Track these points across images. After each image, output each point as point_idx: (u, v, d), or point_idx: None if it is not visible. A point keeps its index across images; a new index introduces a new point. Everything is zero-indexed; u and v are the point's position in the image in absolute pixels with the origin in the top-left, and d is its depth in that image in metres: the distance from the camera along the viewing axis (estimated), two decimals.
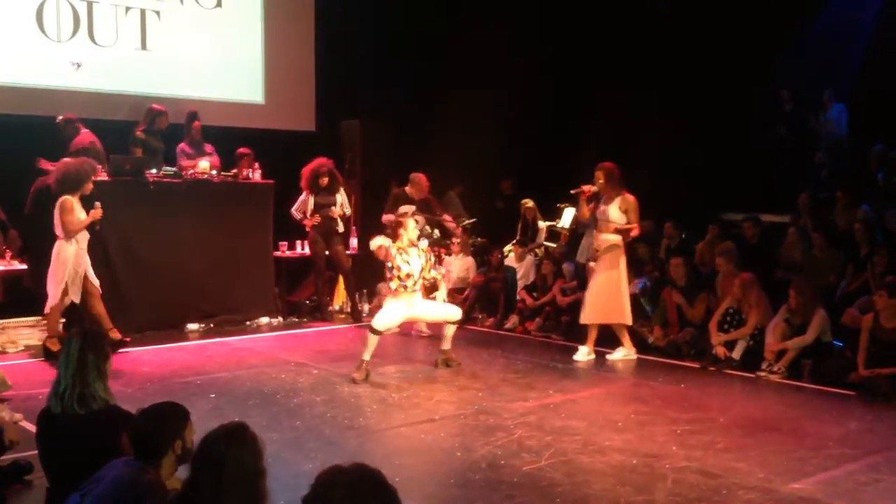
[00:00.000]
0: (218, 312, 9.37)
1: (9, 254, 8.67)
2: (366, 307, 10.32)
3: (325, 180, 9.69)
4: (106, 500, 2.96)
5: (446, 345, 7.51)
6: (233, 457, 2.70)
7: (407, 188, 9.55)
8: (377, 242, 7.25)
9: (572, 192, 8.10)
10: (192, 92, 10.85)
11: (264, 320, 9.59)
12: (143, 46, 10.73)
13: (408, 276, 7.16)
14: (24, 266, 8.65)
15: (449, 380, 7.10)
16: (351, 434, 5.59)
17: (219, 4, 11.36)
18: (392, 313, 7.16)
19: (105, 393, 3.71)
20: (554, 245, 11.31)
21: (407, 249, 7.21)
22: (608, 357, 7.98)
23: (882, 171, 9.64)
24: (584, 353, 7.96)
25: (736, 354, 7.60)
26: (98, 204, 7.62)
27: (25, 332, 8.61)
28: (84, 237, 7.62)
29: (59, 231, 7.49)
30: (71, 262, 7.50)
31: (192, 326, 9.06)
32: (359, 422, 5.86)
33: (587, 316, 7.96)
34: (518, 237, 10.74)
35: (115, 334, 7.70)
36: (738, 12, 10.94)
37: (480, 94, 11.56)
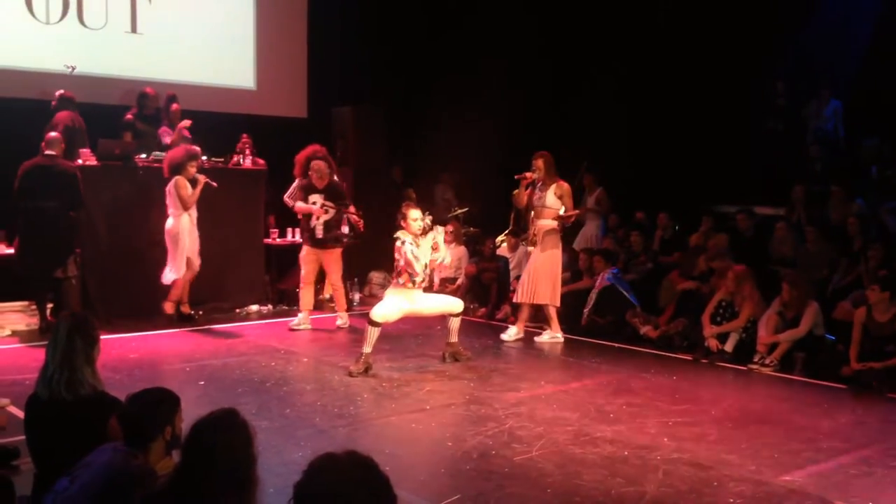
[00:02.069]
0: (208, 299, 9.31)
1: None
2: (356, 295, 10.27)
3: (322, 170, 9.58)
4: (95, 486, 2.92)
5: (453, 337, 7.33)
6: (223, 443, 2.66)
7: (311, 174, 8.65)
8: (400, 237, 6.93)
9: (516, 176, 8.30)
10: (182, 76, 10.77)
11: (254, 308, 9.54)
12: (133, 30, 10.64)
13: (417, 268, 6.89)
14: (11, 251, 8.53)
15: (440, 370, 7.07)
16: (341, 423, 5.55)
17: None
18: (391, 306, 6.96)
19: (93, 378, 3.66)
20: None
21: (418, 241, 6.93)
22: (536, 339, 8.23)
23: (876, 165, 9.64)
24: (512, 333, 8.31)
25: (728, 347, 7.59)
26: (201, 176, 8.59)
27: (13, 317, 8.55)
28: (194, 213, 8.63)
29: (174, 207, 8.49)
30: (186, 233, 8.54)
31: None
32: (349, 410, 5.82)
33: (520, 295, 8.35)
34: (511, 227, 10.70)
35: (186, 308, 8.82)
36: (736, 4, 10.91)
37: (473, 80, 11.52)
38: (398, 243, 6.90)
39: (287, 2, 12.00)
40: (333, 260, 8.76)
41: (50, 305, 8.23)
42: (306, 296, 8.77)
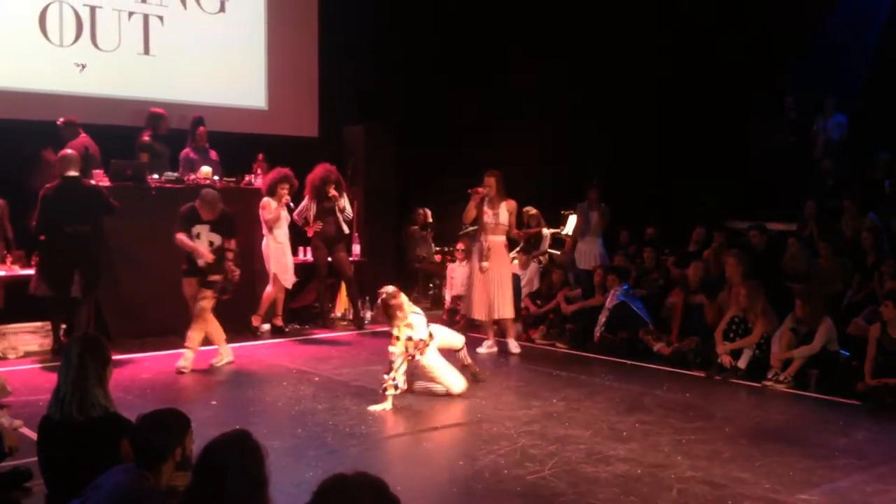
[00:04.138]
0: (219, 319, 9.29)
1: (10, 259, 8.61)
2: (368, 314, 10.27)
3: (333, 190, 9.64)
4: None
5: (466, 360, 7.17)
6: (235, 465, 2.66)
7: (196, 203, 7.72)
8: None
9: (469, 191, 8.47)
10: (195, 97, 10.85)
11: (266, 327, 9.55)
12: (146, 51, 10.74)
13: (417, 344, 6.54)
14: (30, 272, 8.50)
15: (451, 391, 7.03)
16: (353, 442, 5.54)
17: (222, 9, 11.37)
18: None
19: (105, 400, 3.67)
20: (558, 252, 11.29)
21: (411, 325, 6.51)
22: (478, 350, 8.40)
23: (889, 179, 9.60)
24: (487, 346, 8.59)
25: (742, 363, 7.53)
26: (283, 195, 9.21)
27: (26, 338, 8.57)
28: (280, 234, 9.28)
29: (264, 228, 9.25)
30: (272, 251, 9.24)
31: None
32: (361, 430, 5.80)
33: (481, 313, 8.59)
34: (522, 244, 10.70)
35: (278, 321, 9.45)
36: (746, 20, 10.93)
37: (486, 98, 11.56)
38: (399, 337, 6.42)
39: (298, 21, 12.08)
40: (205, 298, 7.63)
41: (63, 326, 8.25)
42: (211, 329, 7.70)
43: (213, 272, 7.58)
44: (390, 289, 6.56)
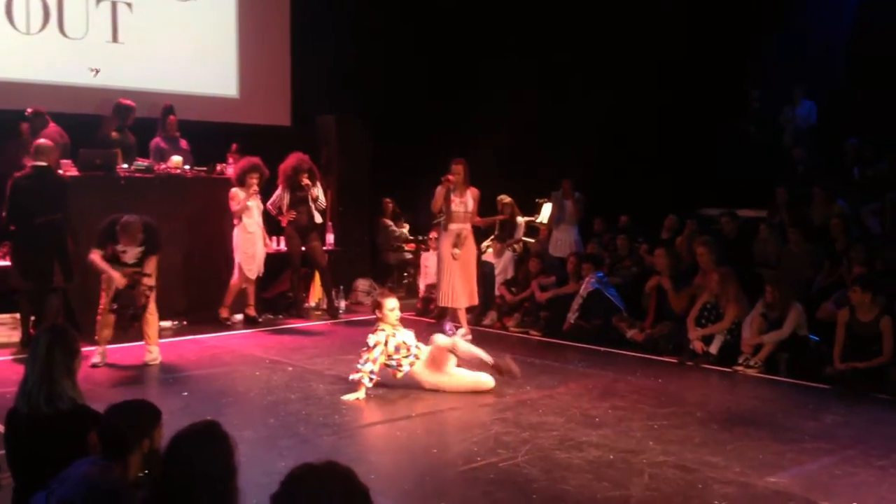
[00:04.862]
0: (191, 310, 9.26)
1: None
2: (342, 304, 10.25)
3: (306, 179, 9.58)
4: (72, 500, 2.88)
5: (491, 361, 6.58)
6: (204, 455, 2.65)
7: (118, 229, 7.10)
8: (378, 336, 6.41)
9: (442, 178, 8.52)
10: (165, 85, 10.72)
11: (238, 317, 9.49)
12: (115, 39, 10.59)
13: (399, 345, 6.45)
14: (5, 263, 8.38)
15: None
16: (325, 431, 5.52)
17: None
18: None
19: (73, 392, 3.62)
20: (533, 240, 11.32)
21: (395, 332, 6.48)
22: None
23: (857, 166, 9.69)
24: (461, 334, 8.35)
25: (713, 349, 7.60)
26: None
27: None
28: (251, 223, 9.22)
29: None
30: (240, 242, 9.20)
31: (165, 324, 8.91)
32: (334, 419, 5.79)
33: (460, 301, 8.61)
34: (496, 233, 10.71)
35: (251, 311, 9.44)
36: (716, 8, 10.99)
37: (460, 87, 11.53)
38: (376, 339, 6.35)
39: (270, 8, 11.96)
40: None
41: (33, 318, 8.14)
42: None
43: (123, 300, 7.12)
44: (388, 293, 6.82)
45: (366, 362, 6.30)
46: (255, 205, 9.36)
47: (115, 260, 7.17)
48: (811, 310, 7.51)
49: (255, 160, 9.35)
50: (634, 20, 11.38)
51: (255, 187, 9.25)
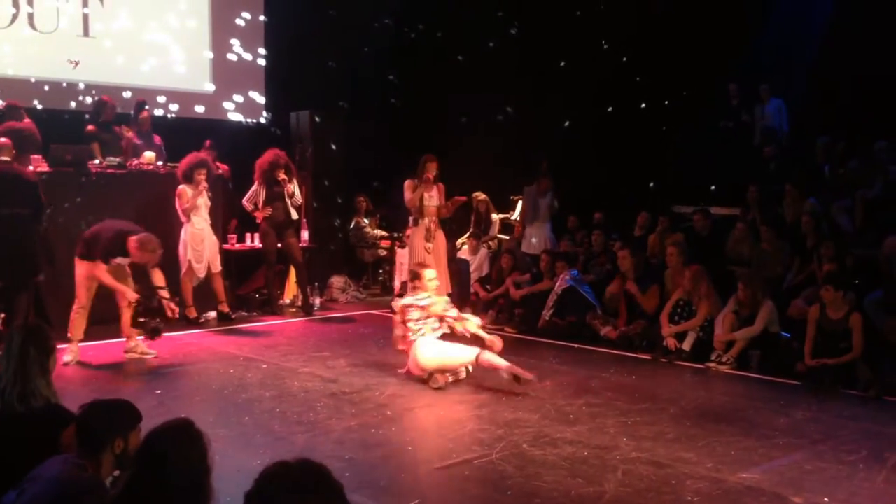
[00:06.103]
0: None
1: None
2: (317, 301, 10.22)
3: (283, 174, 9.52)
4: (43, 499, 2.85)
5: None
6: (177, 454, 2.63)
7: (132, 247, 7.12)
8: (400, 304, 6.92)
9: (423, 178, 8.60)
10: (137, 80, 10.65)
11: (212, 314, 9.42)
12: (86, 33, 10.47)
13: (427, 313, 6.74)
14: None
15: (400, 374, 7.03)
16: (300, 429, 5.51)
17: None
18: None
19: (47, 390, 3.59)
20: (507, 237, 11.33)
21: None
22: None
23: (828, 164, 9.80)
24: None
25: (686, 346, 7.67)
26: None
27: None
28: (200, 220, 9.00)
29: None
30: (189, 239, 8.94)
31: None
32: (309, 417, 5.77)
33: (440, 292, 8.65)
34: (471, 229, 10.72)
35: (224, 307, 9.26)
36: (693, 6, 11.05)
37: (434, 86, 11.50)
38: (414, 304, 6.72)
39: (243, 3, 11.89)
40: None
41: (2, 315, 8.04)
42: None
43: (144, 314, 7.16)
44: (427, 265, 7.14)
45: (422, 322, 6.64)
46: (203, 202, 9.07)
47: None
48: (782, 307, 7.60)
49: (202, 155, 9.17)
50: (611, 16, 11.42)
51: (205, 183, 8.98)
